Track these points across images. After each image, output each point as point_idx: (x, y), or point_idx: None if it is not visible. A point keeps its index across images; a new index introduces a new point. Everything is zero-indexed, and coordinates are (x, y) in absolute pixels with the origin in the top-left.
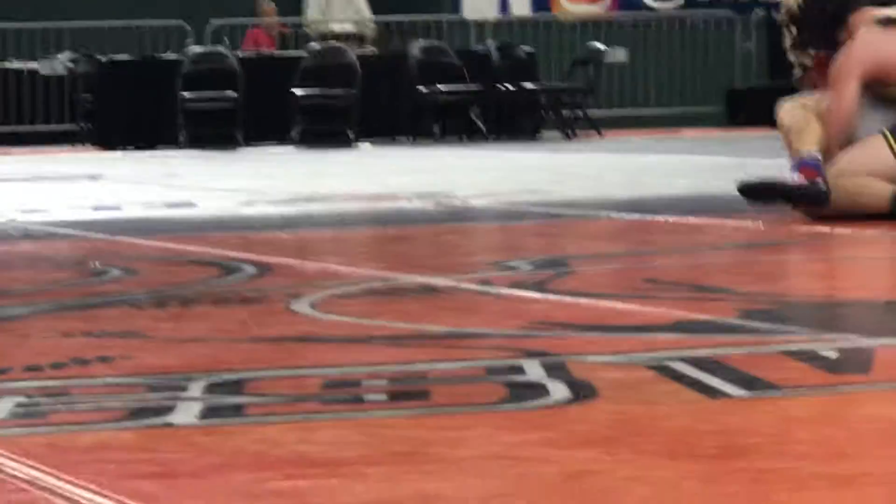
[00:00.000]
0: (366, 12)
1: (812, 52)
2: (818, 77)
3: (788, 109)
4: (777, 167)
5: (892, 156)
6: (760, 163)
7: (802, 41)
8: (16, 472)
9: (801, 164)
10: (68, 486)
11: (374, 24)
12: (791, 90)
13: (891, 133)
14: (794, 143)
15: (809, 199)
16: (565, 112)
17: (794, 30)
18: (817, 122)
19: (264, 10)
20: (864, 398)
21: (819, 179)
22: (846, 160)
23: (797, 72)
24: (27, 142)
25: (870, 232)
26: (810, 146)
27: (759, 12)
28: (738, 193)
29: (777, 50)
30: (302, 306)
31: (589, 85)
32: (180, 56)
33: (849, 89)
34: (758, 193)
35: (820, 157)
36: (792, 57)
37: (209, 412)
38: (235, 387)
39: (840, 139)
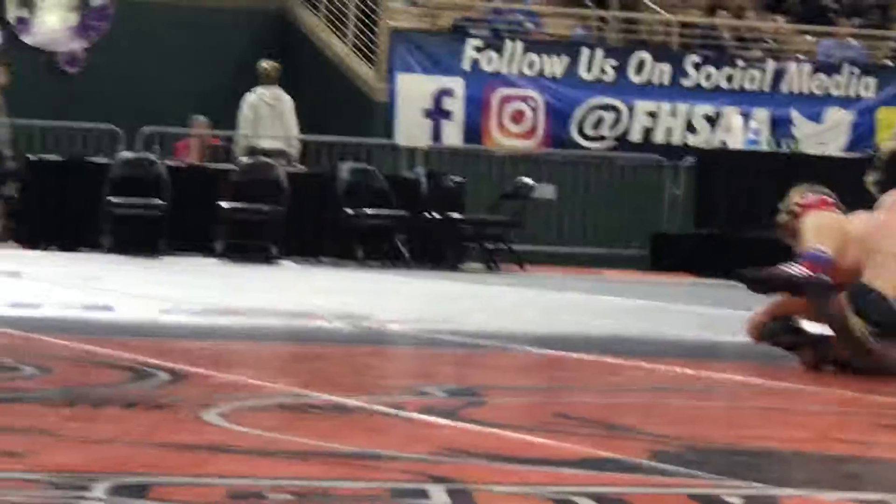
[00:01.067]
0: (294, 131)
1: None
2: (792, 230)
3: (824, 215)
4: (696, 314)
5: None
6: (680, 308)
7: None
8: None
9: (807, 256)
10: None
11: (298, 143)
12: (713, 237)
13: None
14: (807, 238)
15: (812, 290)
16: (489, 244)
17: (882, 171)
18: (843, 231)
19: (198, 125)
20: None
21: (821, 273)
22: None
23: (781, 217)
24: None
25: (785, 384)
26: (821, 244)
27: (689, 159)
28: (740, 281)
29: (704, 197)
30: (212, 416)
31: (515, 219)
32: (109, 160)
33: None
34: (761, 282)
35: (829, 254)
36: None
37: None
38: (139, 491)
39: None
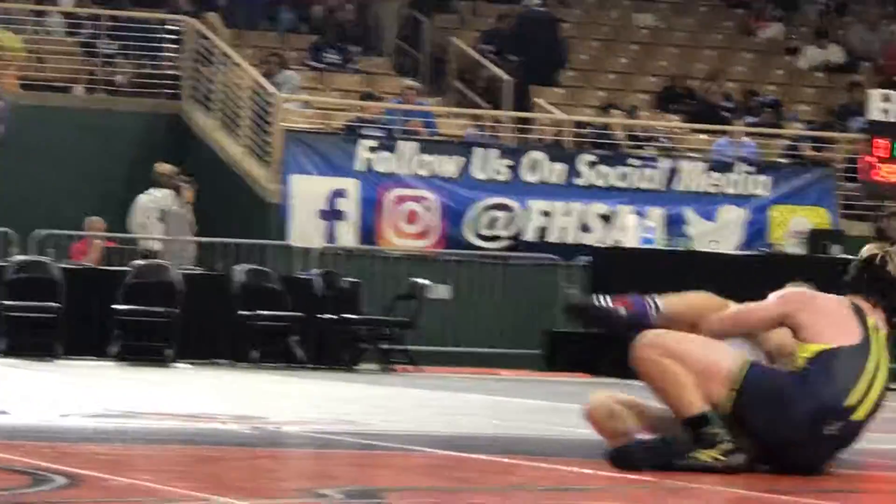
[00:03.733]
0: (189, 232)
1: None
2: None
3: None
4: None
5: (735, 369)
6: (576, 407)
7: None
8: None
9: (630, 298)
10: None
11: (194, 245)
12: (607, 336)
13: (751, 366)
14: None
15: (593, 317)
16: (384, 345)
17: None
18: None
19: (93, 225)
20: None
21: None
22: (698, 343)
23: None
24: None
25: (684, 483)
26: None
27: (583, 258)
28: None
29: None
30: None
31: (410, 319)
32: (3, 263)
33: (768, 313)
34: (572, 308)
35: (658, 306)
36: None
37: None
38: None
39: (714, 329)
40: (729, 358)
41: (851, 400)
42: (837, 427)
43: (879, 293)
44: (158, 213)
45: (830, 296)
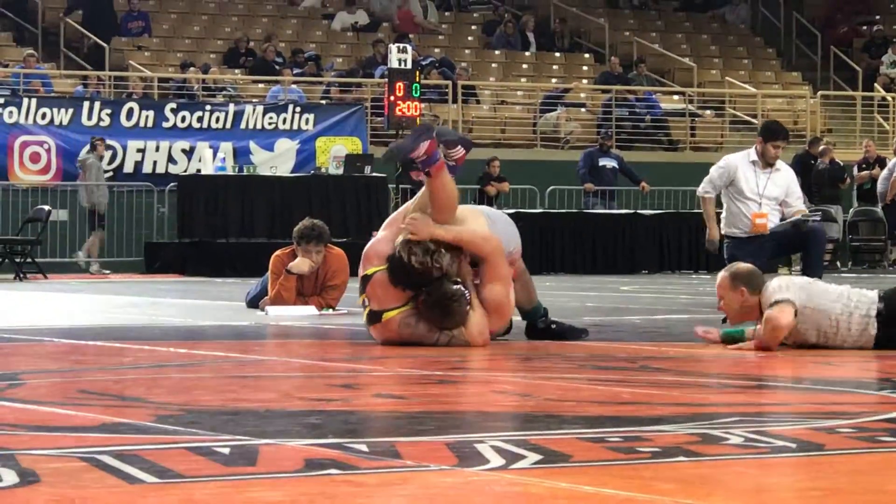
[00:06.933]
0: None
1: None
2: None
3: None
4: (184, 305)
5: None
6: (172, 301)
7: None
8: None
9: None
10: None
11: None
12: (194, 244)
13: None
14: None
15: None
16: (18, 259)
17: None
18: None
19: None
20: (251, 484)
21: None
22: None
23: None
24: None
25: (257, 357)
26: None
27: (172, 184)
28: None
29: (185, 213)
30: None
31: (37, 238)
32: None
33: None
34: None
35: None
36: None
37: None
38: None
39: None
40: None
41: None
42: None
43: None
44: None
45: None
